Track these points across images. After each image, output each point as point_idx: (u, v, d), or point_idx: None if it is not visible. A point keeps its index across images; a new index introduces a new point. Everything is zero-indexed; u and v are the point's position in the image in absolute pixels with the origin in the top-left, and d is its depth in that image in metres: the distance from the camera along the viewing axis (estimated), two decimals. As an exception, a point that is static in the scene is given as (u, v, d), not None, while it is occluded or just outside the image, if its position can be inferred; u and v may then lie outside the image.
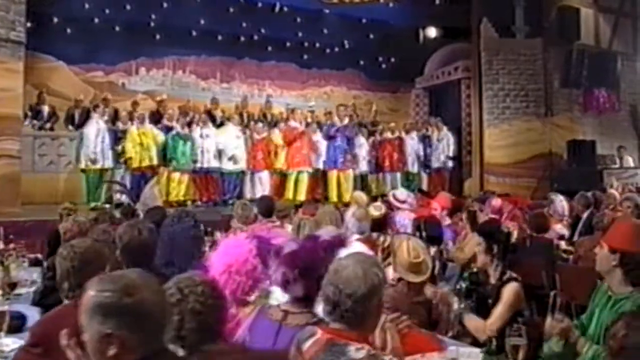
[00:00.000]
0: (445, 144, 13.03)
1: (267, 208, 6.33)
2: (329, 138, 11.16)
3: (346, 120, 11.10)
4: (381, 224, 5.59)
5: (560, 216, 7.60)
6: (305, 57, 15.11)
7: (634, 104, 14.83)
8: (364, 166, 12.80)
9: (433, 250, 4.67)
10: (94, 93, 12.91)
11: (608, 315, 2.86)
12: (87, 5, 12.34)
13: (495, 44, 13.57)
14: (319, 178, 11.56)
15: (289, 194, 10.95)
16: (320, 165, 11.50)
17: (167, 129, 10.83)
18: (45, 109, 11.69)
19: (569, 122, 13.80)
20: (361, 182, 12.79)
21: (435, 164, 13.19)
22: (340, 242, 2.69)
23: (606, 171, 12.86)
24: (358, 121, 13.72)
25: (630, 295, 2.83)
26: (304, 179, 11.05)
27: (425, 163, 13.31)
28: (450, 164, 13.09)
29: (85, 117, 10.69)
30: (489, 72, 13.54)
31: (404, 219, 6.16)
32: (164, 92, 13.50)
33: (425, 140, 13.26)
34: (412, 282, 3.77)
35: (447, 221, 6.77)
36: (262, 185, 11.48)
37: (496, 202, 7.00)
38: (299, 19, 14.13)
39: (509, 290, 3.43)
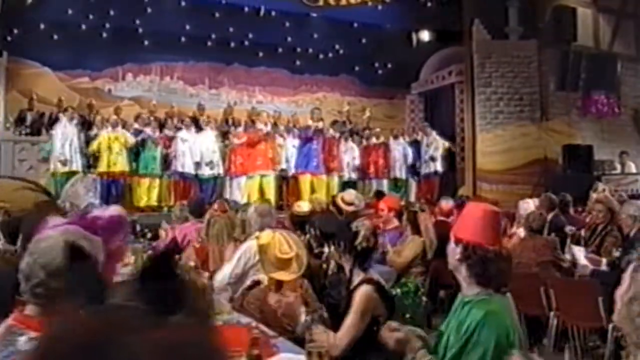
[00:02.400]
0: (433, 149, 12.59)
1: (197, 208, 6.12)
2: (302, 139, 10.84)
3: (321, 124, 10.74)
4: (306, 224, 5.25)
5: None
6: (297, 62, 14.89)
7: (637, 107, 14.13)
8: (351, 172, 12.50)
9: (328, 249, 4.29)
10: (79, 99, 12.91)
11: (455, 322, 2.37)
12: (70, 11, 12.32)
13: (488, 46, 13.09)
14: (292, 183, 11.26)
15: (254, 199, 10.64)
16: (291, 169, 11.19)
17: (138, 133, 10.70)
18: (30, 116, 11.70)
19: (566, 126, 13.20)
20: (348, 189, 12.47)
21: (424, 170, 12.75)
22: (119, 221, 2.37)
23: (605, 177, 12.21)
24: (350, 128, 13.46)
25: (475, 297, 2.32)
26: (270, 183, 10.73)
27: (414, 169, 12.90)
28: (439, 166, 12.59)
29: (54, 121, 10.61)
30: (481, 76, 13.05)
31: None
32: (151, 98, 13.45)
33: (414, 145, 12.85)
34: (281, 280, 3.43)
35: (393, 223, 6.36)
36: (240, 190, 11.25)
37: (446, 204, 6.62)
38: (287, 24, 13.88)
39: (359, 295, 2.93)
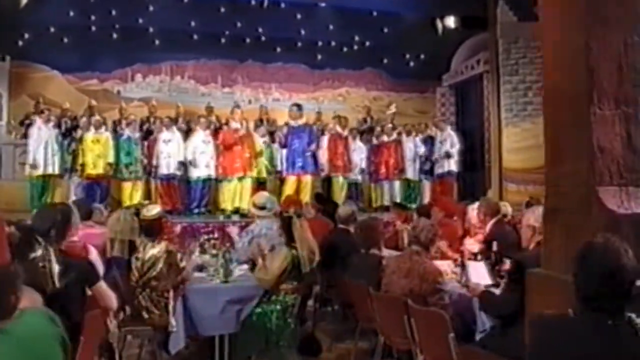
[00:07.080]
0: (448, 146, 11.32)
1: (86, 212, 5.55)
2: (283, 146, 10.01)
3: (301, 121, 9.81)
4: (154, 229, 4.49)
5: (475, 228, 5.96)
6: (318, 57, 14.03)
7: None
8: (358, 173, 11.52)
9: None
10: (88, 101, 12.81)
11: None
12: (71, 13, 12.21)
13: (514, 29, 11.60)
14: (278, 185, 10.46)
15: (229, 203, 9.93)
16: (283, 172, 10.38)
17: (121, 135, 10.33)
18: (38, 119, 11.69)
19: (606, 117, 11.41)
20: (357, 192, 11.52)
21: (438, 170, 11.51)
22: None
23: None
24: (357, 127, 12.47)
25: None
26: (247, 186, 9.96)
27: (429, 169, 11.70)
28: (453, 166, 11.30)
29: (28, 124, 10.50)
30: (506, 63, 11.61)
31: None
32: (161, 98, 13.15)
33: (427, 142, 11.65)
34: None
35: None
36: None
37: (343, 211, 5.64)
38: (298, 15, 13.08)
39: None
